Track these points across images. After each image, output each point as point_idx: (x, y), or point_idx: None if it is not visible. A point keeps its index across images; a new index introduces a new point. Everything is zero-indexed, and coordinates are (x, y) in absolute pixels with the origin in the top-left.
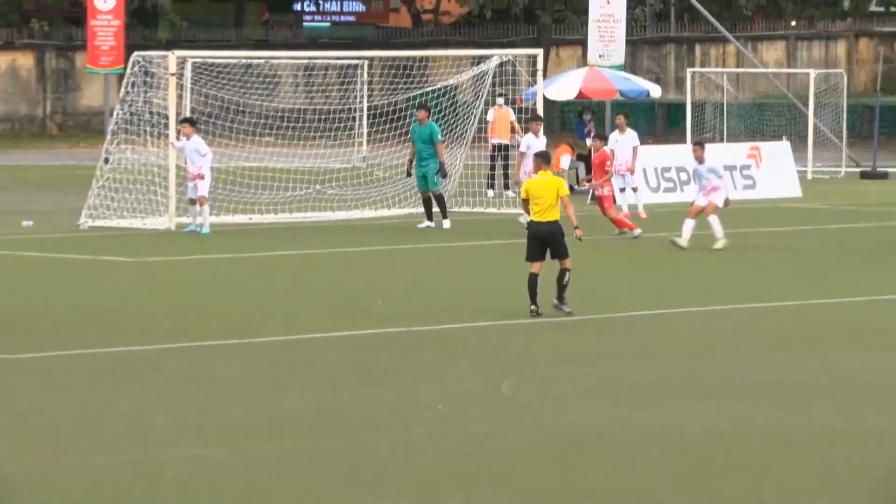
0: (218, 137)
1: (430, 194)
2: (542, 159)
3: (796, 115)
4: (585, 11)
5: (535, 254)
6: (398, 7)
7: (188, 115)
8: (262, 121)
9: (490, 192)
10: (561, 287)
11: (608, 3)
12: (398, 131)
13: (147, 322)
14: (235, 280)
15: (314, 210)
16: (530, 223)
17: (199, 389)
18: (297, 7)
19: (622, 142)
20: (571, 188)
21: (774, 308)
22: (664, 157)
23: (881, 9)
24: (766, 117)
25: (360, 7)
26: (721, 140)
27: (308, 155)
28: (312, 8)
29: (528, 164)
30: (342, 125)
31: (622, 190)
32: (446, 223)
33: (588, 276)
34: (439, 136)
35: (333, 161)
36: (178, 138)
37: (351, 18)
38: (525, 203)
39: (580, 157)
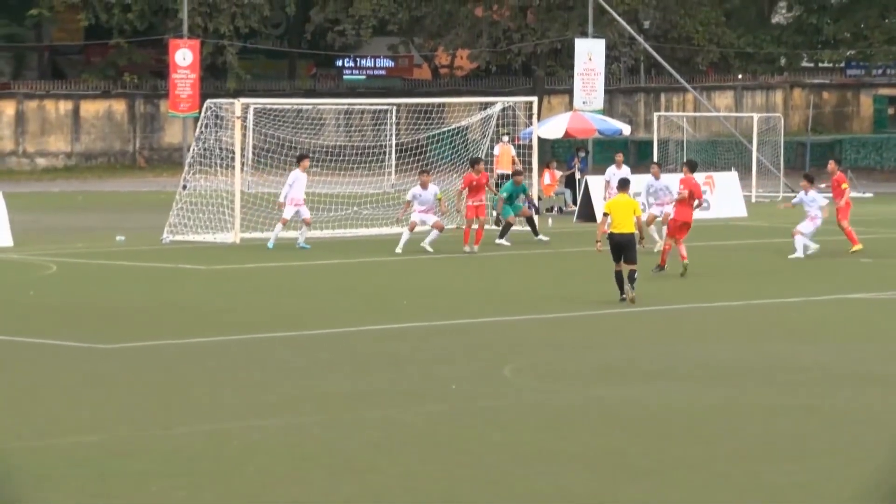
0: (275, 168)
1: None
2: (623, 185)
3: (742, 151)
4: (572, 66)
5: (615, 257)
6: (421, 63)
7: (251, 151)
8: (311, 155)
9: (494, 213)
10: (631, 280)
11: (590, 59)
12: (420, 163)
13: (216, 318)
14: (288, 284)
15: (352, 227)
16: (611, 234)
17: (258, 373)
18: (339, 63)
19: (618, 175)
20: (560, 209)
21: (725, 307)
22: (637, 185)
23: (811, 65)
24: (718, 152)
25: (390, 63)
26: (680, 171)
27: (347, 182)
28: (351, 64)
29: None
30: (375, 158)
31: None
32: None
33: (576, 276)
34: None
35: (367, 187)
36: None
37: (382, 72)
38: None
39: (568, 184)
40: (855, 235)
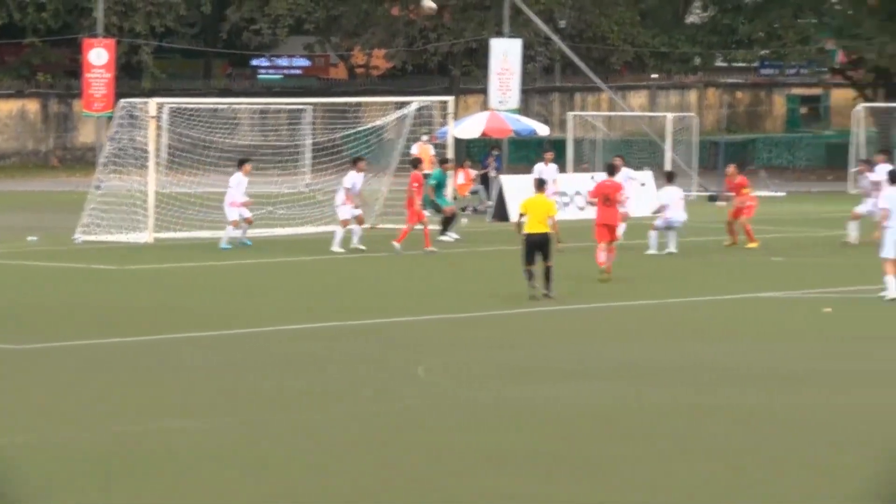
0: (189, 168)
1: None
2: (539, 185)
3: (657, 150)
4: (488, 66)
5: (528, 258)
6: (337, 63)
7: (166, 151)
8: (225, 154)
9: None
10: (547, 279)
11: (506, 59)
12: (335, 163)
13: (130, 318)
14: (202, 284)
15: (267, 227)
16: (526, 234)
17: (172, 373)
18: (255, 62)
19: (546, 172)
20: (475, 209)
21: (640, 306)
22: (567, 185)
23: (725, 64)
24: (633, 151)
25: (306, 62)
26: (595, 170)
27: (262, 182)
28: (267, 63)
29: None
30: (290, 158)
31: None
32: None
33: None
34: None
35: (283, 187)
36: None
37: (298, 72)
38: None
39: (483, 181)
40: (753, 234)
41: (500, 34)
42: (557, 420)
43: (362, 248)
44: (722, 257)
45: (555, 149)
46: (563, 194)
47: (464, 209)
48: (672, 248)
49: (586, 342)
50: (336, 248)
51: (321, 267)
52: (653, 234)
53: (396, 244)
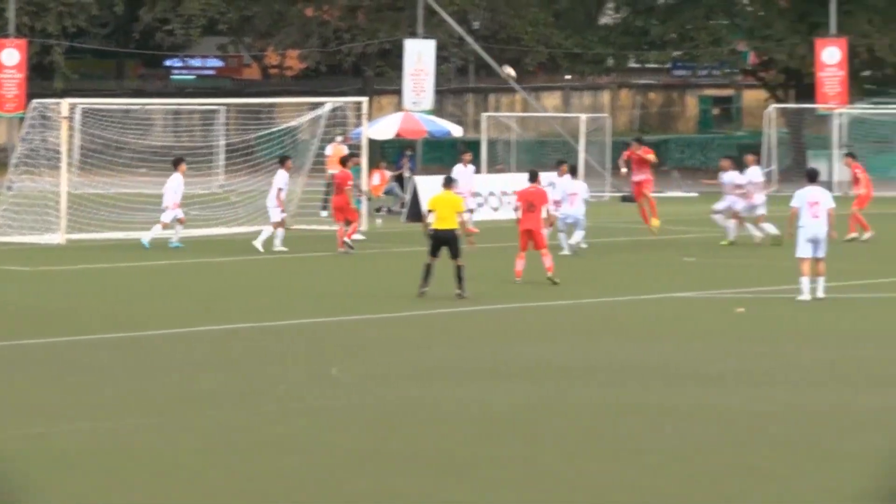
0: (102, 169)
1: None
2: (448, 182)
3: (570, 151)
4: (402, 66)
5: (433, 251)
6: (250, 63)
7: (78, 152)
8: (138, 155)
9: (323, 213)
10: (459, 279)
11: (419, 60)
12: (249, 163)
13: (43, 319)
14: (116, 285)
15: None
16: (433, 229)
17: (86, 375)
18: (168, 63)
19: (464, 173)
20: (389, 210)
21: (553, 306)
22: (481, 185)
23: (638, 65)
24: (546, 152)
25: (220, 63)
26: (510, 170)
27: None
28: (180, 64)
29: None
30: (203, 159)
31: (470, 210)
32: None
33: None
34: None
35: (196, 188)
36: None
37: (212, 72)
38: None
39: (397, 182)
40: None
41: (413, 35)
42: (470, 420)
43: (284, 249)
44: (635, 257)
45: (469, 150)
46: (478, 195)
47: (378, 210)
48: (566, 250)
49: (502, 342)
50: (258, 244)
51: (237, 268)
52: (562, 236)
53: (347, 240)
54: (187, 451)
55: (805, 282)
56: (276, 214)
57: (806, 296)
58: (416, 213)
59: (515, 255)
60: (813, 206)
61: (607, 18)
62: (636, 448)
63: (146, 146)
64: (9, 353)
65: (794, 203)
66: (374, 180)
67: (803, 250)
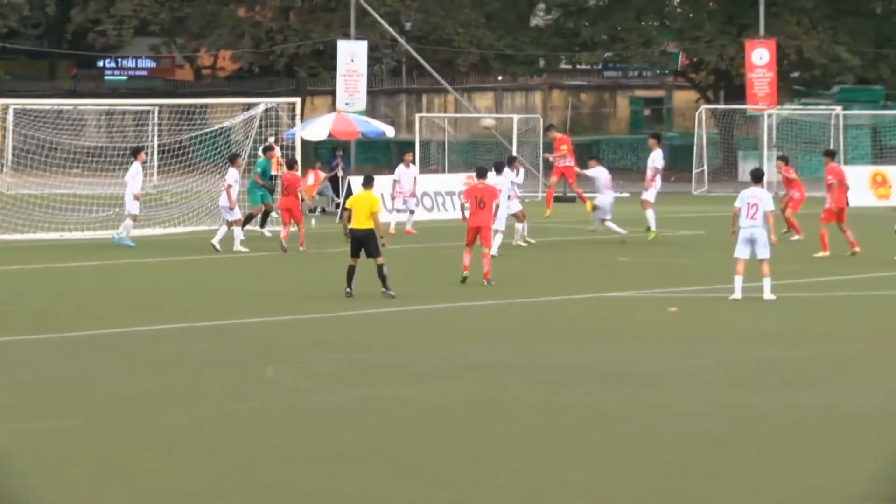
0: (35, 170)
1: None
2: (367, 182)
3: (503, 151)
4: (335, 67)
5: (353, 251)
6: (183, 64)
7: (10, 153)
8: (71, 156)
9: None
10: (382, 278)
11: (353, 61)
12: (183, 164)
13: None
14: (52, 286)
15: (114, 228)
16: (351, 229)
17: (22, 375)
18: (100, 64)
19: (407, 174)
20: (323, 210)
21: (487, 306)
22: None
23: (569, 66)
24: (479, 152)
25: (152, 64)
26: (443, 171)
27: (109, 184)
28: (112, 64)
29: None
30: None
31: (412, 212)
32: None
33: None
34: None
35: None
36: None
37: (144, 73)
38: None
39: (331, 182)
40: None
41: (346, 36)
42: (407, 420)
43: (244, 249)
44: (568, 256)
45: (402, 151)
46: (426, 194)
47: (312, 210)
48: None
49: (438, 342)
50: (216, 242)
51: (174, 268)
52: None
53: (301, 248)
54: (125, 451)
55: (738, 280)
56: (230, 213)
57: (738, 294)
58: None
59: (463, 251)
60: (751, 207)
61: (538, 20)
62: (576, 447)
63: (79, 146)
64: None
65: (736, 203)
66: (309, 180)
67: (740, 251)
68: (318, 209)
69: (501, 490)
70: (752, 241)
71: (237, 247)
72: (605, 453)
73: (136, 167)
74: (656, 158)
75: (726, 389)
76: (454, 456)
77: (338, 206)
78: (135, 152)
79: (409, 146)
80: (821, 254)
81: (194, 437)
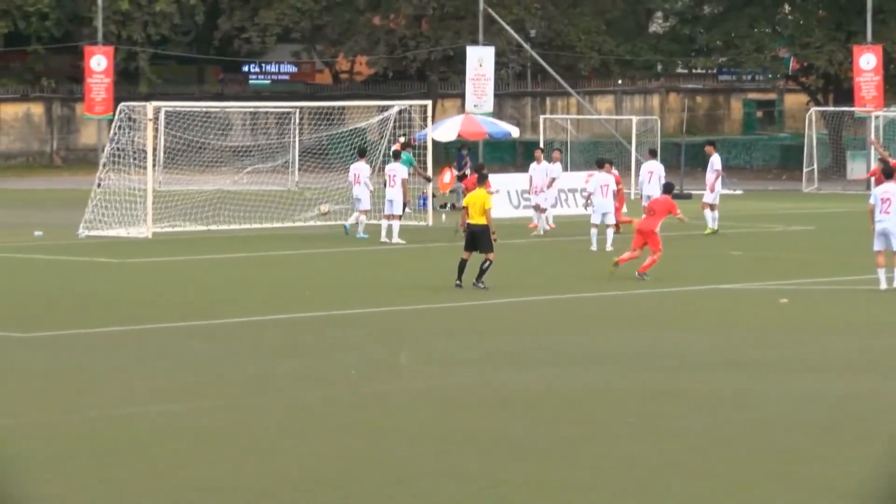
0: (185, 167)
1: None
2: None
3: (622, 151)
4: (464, 72)
5: (467, 246)
6: (322, 69)
7: (163, 151)
8: (219, 155)
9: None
10: (481, 271)
11: (481, 66)
12: (322, 162)
13: (129, 308)
14: (199, 276)
15: (261, 221)
16: (469, 224)
17: (168, 360)
18: (245, 69)
19: (538, 170)
20: (453, 206)
21: (573, 298)
22: (523, 182)
23: (685, 71)
24: (600, 152)
25: (293, 69)
26: (566, 169)
27: (254, 181)
28: (257, 69)
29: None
30: (280, 158)
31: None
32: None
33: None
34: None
35: (274, 185)
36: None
37: (286, 77)
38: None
39: (459, 180)
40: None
41: (475, 42)
42: (528, 403)
43: (402, 242)
44: (685, 251)
45: (527, 150)
46: (562, 191)
47: (443, 206)
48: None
49: (556, 331)
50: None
51: (306, 260)
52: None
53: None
54: (261, 432)
55: (880, 272)
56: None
57: (883, 285)
58: None
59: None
60: (884, 202)
61: (656, 27)
62: (686, 429)
63: (226, 146)
64: (97, 340)
65: (871, 200)
66: (445, 178)
67: (878, 244)
68: (449, 205)
69: (617, 471)
70: (885, 235)
71: (396, 238)
72: (714, 436)
73: (358, 165)
74: (715, 162)
75: (829, 377)
76: (570, 438)
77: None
78: (361, 153)
79: (534, 146)
80: None
81: (327, 418)
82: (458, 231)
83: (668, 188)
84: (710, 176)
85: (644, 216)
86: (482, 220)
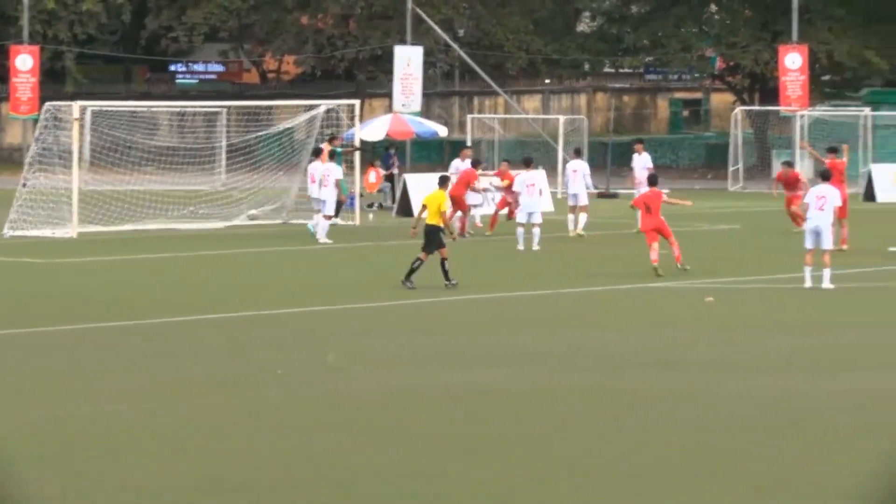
0: (112, 167)
1: None
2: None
3: (550, 150)
4: (392, 71)
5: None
6: (250, 68)
7: (89, 151)
8: (146, 155)
9: None
10: (444, 271)
11: (409, 65)
12: (249, 162)
13: (56, 308)
14: (126, 276)
15: (185, 222)
16: (426, 224)
17: (94, 360)
18: (172, 68)
19: (462, 167)
20: (380, 205)
21: (523, 296)
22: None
23: (613, 70)
24: (527, 151)
25: (221, 68)
26: (493, 168)
27: (181, 181)
28: (184, 68)
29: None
30: (207, 158)
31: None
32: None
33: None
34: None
35: (200, 185)
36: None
37: (213, 76)
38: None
39: (387, 179)
40: None
41: (403, 42)
42: (462, 401)
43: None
44: (621, 250)
45: (454, 150)
46: (488, 189)
47: (370, 206)
48: None
49: (489, 330)
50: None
51: (236, 260)
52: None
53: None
54: (196, 432)
55: (807, 271)
56: (326, 207)
57: (808, 283)
58: (405, 209)
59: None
60: (819, 200)
61: (584, 26)
62: (627, 427)
63: (153, 146)
64: (25, 340)
65: (805, 198)
66: (371, 178)
67: (808, 241)
68: (376, 205)
69: (552, 469)
70: (817, 232)
71: (323, 238)
72: (649, 435)
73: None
74: (647, 160)
75: (759, 375)
76: (511, 435)
77: (394, 201)
78: (315, 152)
79: (461, 145)
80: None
81: (259, 418)
82: (454, 237)
83: (652, 180)
84: (640, 174)
85: (643, 216)
86: (437, 221)
